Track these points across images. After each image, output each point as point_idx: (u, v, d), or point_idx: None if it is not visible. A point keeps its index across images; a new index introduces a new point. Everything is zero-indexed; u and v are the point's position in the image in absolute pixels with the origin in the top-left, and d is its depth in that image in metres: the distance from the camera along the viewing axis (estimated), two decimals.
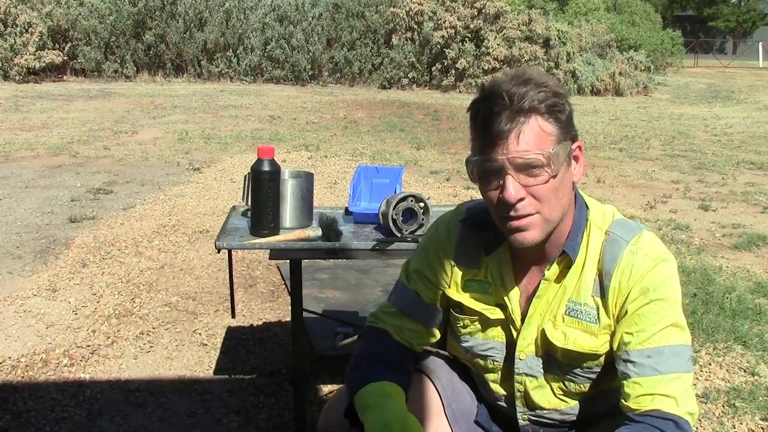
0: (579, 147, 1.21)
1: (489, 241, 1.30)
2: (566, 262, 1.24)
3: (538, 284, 1.27)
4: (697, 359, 2.86)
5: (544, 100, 1.13)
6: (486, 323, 1.33)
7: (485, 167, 1.16)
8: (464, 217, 1.36)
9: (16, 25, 13.41)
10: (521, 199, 1.14)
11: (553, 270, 1.25)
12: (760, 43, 31.84)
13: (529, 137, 1.12)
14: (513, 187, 1.13)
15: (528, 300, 1.28)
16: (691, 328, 3.13)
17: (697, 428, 2.36)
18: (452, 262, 1.35)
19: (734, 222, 5.05)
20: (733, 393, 2.58)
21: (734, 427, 2.38)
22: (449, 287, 1.36)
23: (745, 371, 2.78)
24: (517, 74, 1.16)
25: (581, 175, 1.23)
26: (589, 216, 1.27)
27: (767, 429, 2.39)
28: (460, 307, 1.35)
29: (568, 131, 1.17)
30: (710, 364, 2.83)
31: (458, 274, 1.34)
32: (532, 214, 1.16)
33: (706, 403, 2.52)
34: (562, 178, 1.17)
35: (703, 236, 4.70)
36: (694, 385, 2.66)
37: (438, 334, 1.41)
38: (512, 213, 1.15)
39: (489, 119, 1.13)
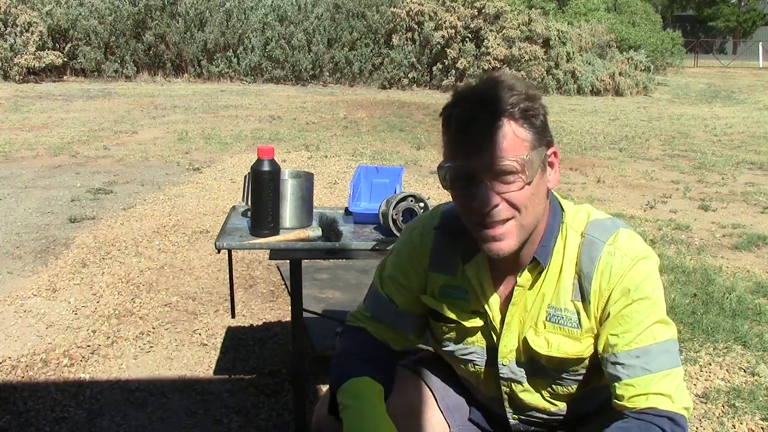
0: (554, 153, 1.18)
1: (466, 248, 1.27)
2: (538, 268, 1.22)
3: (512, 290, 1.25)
4: (697, 359, 2.86)
5: (517, 104, 1.10)
6: (462, 332, 1.31)
7: (458, 174, 1.13)
8: (438, 224, 1.33)
9: (16, 25, 13.41)
10: (495, 206, 1.12)
11: (525, 277, 1.23)
12: (760, 43, 31.84)
13: (503, 143, 1.09)
14: (487, 194, 1.11)
15: (506, 307, 1.26)
16: (691, 328, 3.13)
17: (697, 428, 2.37)
18: (427, 269, 1.32)
19: (734, 222, 5.05)
20: (733, 393, 2.57)
21: (734, 427, 2.38)
22: (425, 293, 1.34)
23: (745, 371, 2.78)
24: (490, 78, 1.14)
25: (557, 181, 1.20)
26: (565, 219, 1.24)
27: (767, 429, 2.39)
28: (437, 315, 1.33)
29: (543, 137, 1.14)
30: (710, 364, 2.83)
31: (434, 280, 1.32)
32: (508, 220, 1.13)
33: (706, 403, 2.52)
34: (537, 185, 1.14)
35: (703, 236, 4.70)
36: (694, 385, 2.66)
37: (414, 339, 1.39)
38: (487, 220, 1.13)
39: (461, 125, 1.11)
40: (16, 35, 13.24)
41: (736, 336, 3.06)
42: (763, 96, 15.97)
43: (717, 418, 2.43)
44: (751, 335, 3.07)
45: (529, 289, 1.24)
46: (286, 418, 2.35)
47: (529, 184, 1.12)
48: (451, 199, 1.21)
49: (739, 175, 6.84)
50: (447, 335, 1.33)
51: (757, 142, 8.93)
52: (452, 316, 1.30)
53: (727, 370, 2.79)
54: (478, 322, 1.29)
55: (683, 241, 4.56)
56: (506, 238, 1.14)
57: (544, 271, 1.22)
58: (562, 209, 1.26)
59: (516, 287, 1.24)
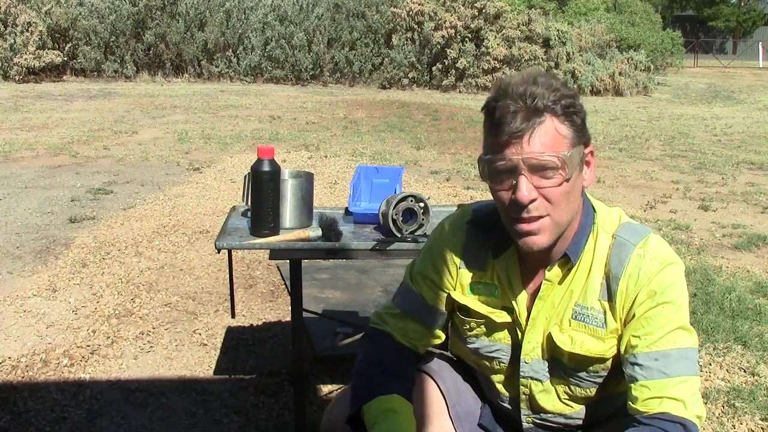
0: (591, 152, 1.20)
1: (497, 243, 1.28)
2: (568, 264, 1.24)
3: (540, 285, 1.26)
4: (697, 359, 2.86)
5: (559, 101, 1.12)
6: (492, 327, 1.32)
7: (498, 166, 1.14)
8: (470, 219, 1.34)
9: (16, 25, 13.41)
10: (533, 200, 1.13)
11: (555, 272, 1.24)
12: (760, 43, 31.85)
13: (545, 138, 1.11)
14: (526, 187, 1.12)
15: (533, 303, 1.27)
16: None
17: None
18: (458, 265, 1.33)
19: (734, 222, 5.05)
20: (733, 393, 2.58)
21: (734, 427, 2.38)
22: (455, 290, 1.34)
23: (745, 371, 2.78)
24: (532, 74, 1.15)
25: (592, 180, 1.22)
26: (597, 220, 1.26)
27: (767, 429, 2.39)
28: (466, 310, 1.34)
29: (582, 135, 1.16)
30: (710, 364, 2.83)
31: (464, 276, 1.33)
32: (543, 216, 1.14)
33: (706, 403, 2.52)
34: (574, 183, 1.16)
35: (703, 236, 4.70)
36: None
37: (442, 336, 1.40)
38: (523, 214, 1.14)
39: (504, 118, 1.12)
40: (16, 35, 13.24)
41: (736, 336, 3.06)
42: (763, 96, 15.97)
43: (717, 418, 2.43)
44: (751, 335, 3.07)
45: (558, 284, 1.25)
46: (286, 418, 2.35)
47: (567, 180, 1.14)
48: (473, 201, 1.22)
49: (739, 175, 6.84)
50: (475, 331, 1.34)
51: (757, 142, 8.93)
52: (482, 311, 1.31)
53: (727, 370, 2.79)
54: (506, 317, 1.30)
55: (683, 241, 4.56)
56: (541, 233, 1.16)
57: (574, 268, 1.24)
58: (594, 209, 1.27)
59: (544, 281, 1.25)
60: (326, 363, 2.72)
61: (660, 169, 6.99)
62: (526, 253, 1.22)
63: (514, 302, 1.28)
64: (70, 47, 13.97)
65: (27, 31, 13.36)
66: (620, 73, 15.63)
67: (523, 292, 1.28)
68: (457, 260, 1.33)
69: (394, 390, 1.26)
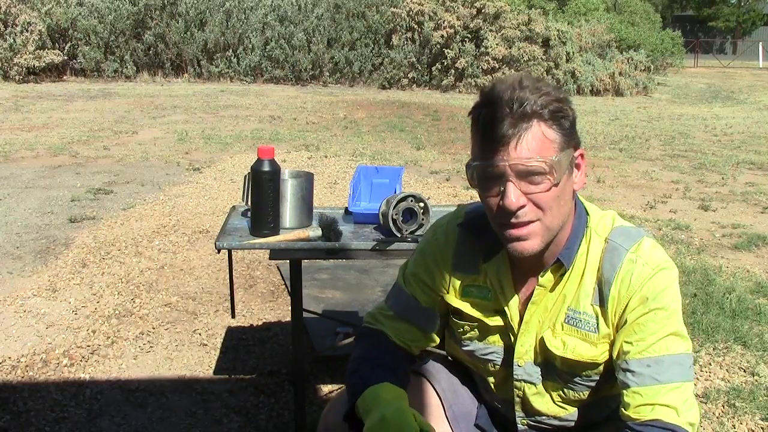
0: (581, 155, 1.18)
1: (488, 247, 1.28)
2: (561, 270, 1.23)
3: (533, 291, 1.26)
4: (697, 359, 2.86)
5: (546, 106, 1.10)
6: (485, 330, 1.32)
7: (486, 173, 1.13)
8: (462, 222, 1.33)
9: (16, 25, 13.41)
10: (522, 207, 1.12)
11: (548, 277, 1.23)
12: (760, 43, 31.86)
13: (532, 144, 1.09)
14: (514, 194, 1.10)
15: (525, 307, 1.27)
16: (691, 328, 3.13)
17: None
18: (450, 268, 1.33)
19: (734, 222, 5.05)
20: (733, 393, 2.58)
21: (734, 427, 2.38)
22: (448, 293, 1.34)
23: (745, 371, 2.78)
24: (519, 79, 1.13)
25: (582, 183, 1.20)
26: (590, 223, 1.24)
27: (767, 429, 2.39)
28: (459, 314, 1.33)
29: (571, 138, 1.14)
30: (710, 364, 2.83)
31: (457, 279, 1.33)
32: (533, 222, 1.13)
33: (706, 403, 2.52)
34: (564, 187, 1.14)
35: (703, 236, 4.70)
36: (695, 385, 2.66)
37: (437, 339, 1.40)
38: (512, 220, 1.13)
39: (491, 124, 1.11)
40: (16, 35, 13.23)
41: (736, 336, 3.06)
42: (763, 96, 15.97)
43: (717, 418, 2.43)
44: (751, 335, 3.07)
45: (551, 290, 1.24)
46: (286, 418, 2.35)
47: (556, 185, 1.12)
48: (467, 203, 1.21)
49: (739, 175, 6.84)
50: (468, 334, 1.34)
51: (757, 142, 8.93)
52: (475, 314, 1.31)
53: (727, 370, 2.79)
54: (499, 320, 1.29)
55: (683, 241, 4.56)
56: (531, 238, 1.15)
57: (567, 273, 1.23)
58: (587, 213, 1.26)
59: (537, 287, 1.24)
60: (326, 363, 2.72)
61: (660, 169, 6.99)
62: (518, 258, 1.21)
63: (505, 306, 1.28)
64: (70, 47, 13.96)
65: (27, 31, 13.35)
66: (620, 73, 15.63)
67: (515, 296, 1.27)
68: (450, 263, 1.33)
69: (387, 380, 1.25)
